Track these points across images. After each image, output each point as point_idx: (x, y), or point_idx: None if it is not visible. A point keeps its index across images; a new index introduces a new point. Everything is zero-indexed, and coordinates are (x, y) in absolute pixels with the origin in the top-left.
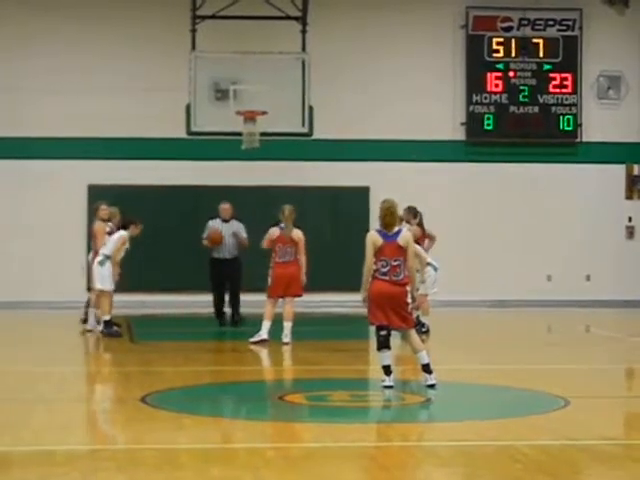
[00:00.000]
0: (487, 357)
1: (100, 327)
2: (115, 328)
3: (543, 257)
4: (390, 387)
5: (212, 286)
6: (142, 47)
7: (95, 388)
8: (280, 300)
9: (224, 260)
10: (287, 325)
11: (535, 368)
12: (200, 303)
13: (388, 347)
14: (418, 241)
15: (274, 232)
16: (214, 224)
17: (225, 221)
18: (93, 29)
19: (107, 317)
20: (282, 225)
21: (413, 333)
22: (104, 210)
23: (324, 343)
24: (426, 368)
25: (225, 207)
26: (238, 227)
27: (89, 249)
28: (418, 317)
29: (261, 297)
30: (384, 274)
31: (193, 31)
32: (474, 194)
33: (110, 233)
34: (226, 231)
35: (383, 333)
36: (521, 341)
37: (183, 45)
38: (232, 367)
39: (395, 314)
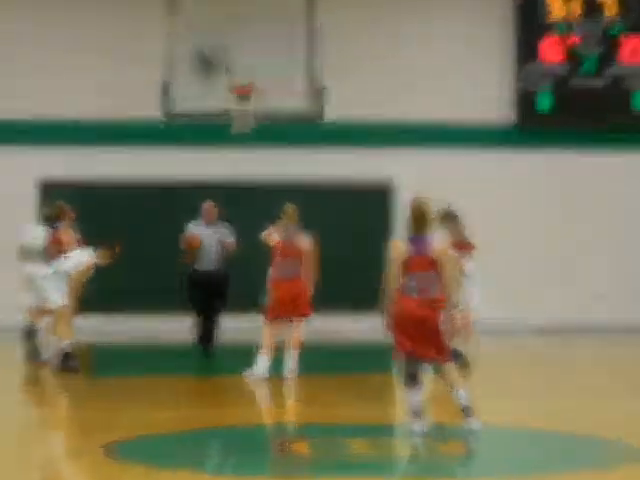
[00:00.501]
0: (539, 395)
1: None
2: (73, 360)
3: (604, 270)
4: (420, 433)
5: (192, 305)
6: (107, 6)
7: (45, 436)
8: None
9: (206, 273)
10: (292, 354)
11: (600, 409)
12: (175, 328)
13: (418, 383)
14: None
15: (274, 236)
16: (194, 228)
17: (209, 224)
18: None
19: (67, 345)
20: (284, 229)
21: (449, 366)
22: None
23: (337, 377)
24: (466, 410)
25: (208, 207)
26: (224, 232)
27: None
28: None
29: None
30: (412, 291)
31: None
32: (525, 190)
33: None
34: (209, 237)
35: (412, 365)
36: (580, 375)
37: (158, 4)
38: (218, 408)
39: (426, 342)
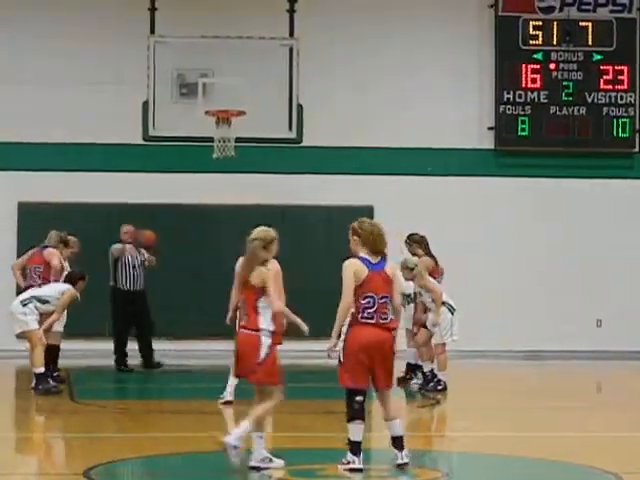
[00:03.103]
0: (519, 422)
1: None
2: (52, 383)
3: (593, 297)
4: (359, 470)
5: (116, 324)
6: (88, 29)
7: (24, 460)
8: None
9: (133, 292)
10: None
11: (580, 436)
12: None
13: (363, 417)
14: (433, 274)
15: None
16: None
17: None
18: (24, 3)
19: (40, 369)
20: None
21: (391, 394)
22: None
23: (312, 403)
24: (398, 442)
25: (127, 230)
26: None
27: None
28: (432, 371)
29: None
30: (369, 317)
31: (152, 10)
32: (505, 216)
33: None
34: (132, 258)
35: (359, 399)
36: (562, 402)
37: (140, 28)
38: (195, 433)
39: (381, 369)
